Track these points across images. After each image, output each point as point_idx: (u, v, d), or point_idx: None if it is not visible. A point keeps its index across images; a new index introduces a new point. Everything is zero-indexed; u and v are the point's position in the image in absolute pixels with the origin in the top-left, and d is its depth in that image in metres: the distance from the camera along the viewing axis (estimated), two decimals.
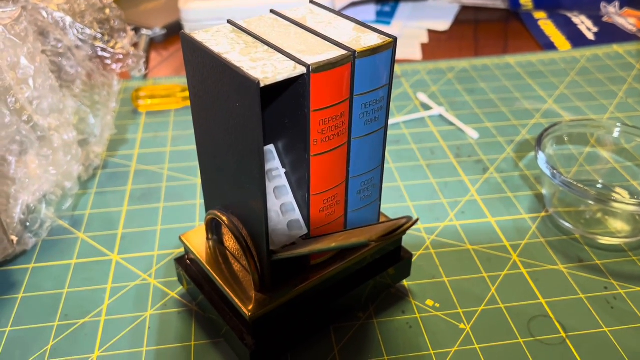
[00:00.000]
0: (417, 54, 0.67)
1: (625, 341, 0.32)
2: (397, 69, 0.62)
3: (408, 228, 0.20)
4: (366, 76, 0.26)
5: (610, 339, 0.32)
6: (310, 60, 0.24)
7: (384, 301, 0.35)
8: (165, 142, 0.50)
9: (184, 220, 0.41)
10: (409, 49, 0.68)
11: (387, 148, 0.49)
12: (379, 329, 0.33)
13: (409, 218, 0.21)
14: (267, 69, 0.23)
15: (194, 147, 0.49)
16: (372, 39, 0.26)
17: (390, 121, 0.52)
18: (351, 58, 0.24)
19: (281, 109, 0.26)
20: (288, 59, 0.24)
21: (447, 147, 0.49)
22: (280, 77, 0.23)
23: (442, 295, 0.35)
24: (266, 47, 0.25)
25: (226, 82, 0.24)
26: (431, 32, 0.72)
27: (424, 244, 0.39)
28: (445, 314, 0.34)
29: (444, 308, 0.34)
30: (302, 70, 0.23)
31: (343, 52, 0.24)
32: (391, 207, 0.42)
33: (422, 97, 0.56)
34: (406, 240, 0.39)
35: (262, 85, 0.22)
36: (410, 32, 0.72)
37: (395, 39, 0.26)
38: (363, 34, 0.26)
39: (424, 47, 0.69)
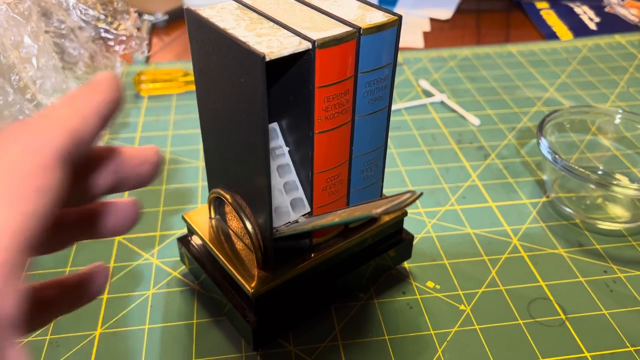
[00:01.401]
0: (420, 42, 0.67)
1: (624, 323, 0.32)
2: (399, 56, 0.62)
3: (412, 201, 0.21)
4: (371, 53, 0.26)
5: (609, 321, 0.33)
6: (316, 36, 0.24)
7: (385, 282, 0.35)
8: (167, 126, 0.50)
9: (185, 202, 0.41)
10: (412, 36, 0.68)
11: (389, 134, 0.49)
12: (380, 309, 0.33)
13: (413, 192, 0.21)
14: (273, 44, 0.23)
15: (196, 130, 0.49)
16: (377, 17, 0.26)
17: (392, 107, 0.52)
18: (356, 35, 0.24)
19: (286, 86, 0.26)
20: (293, 35, 0.24)
21: (449, 134, 0.49)
22: (286, 52, 0.23)
23: (442, 277, 0.35)
24: (271, 24, 0.25)
25: (231, 57, 0.24)
26: (433, 21, 0.72)
27: (425, 228, 0.39)
28: (445, 295, 0.34)
29: (444, 290, 0.34)
30: (307, 45, 0.23)
31: (348, 28, 0.24)
32: (393, 192, 0.42)
33: (424, 84, 0.56)
34: (407, 224, 0.39)
35: (267, 59, 0.22)
36: (413, 20, 0.72)
37: (400, 17, 0.26)
38: (368, 11, 0.26)
39: (426, 35, 0.69)
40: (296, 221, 0.29)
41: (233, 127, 0.27)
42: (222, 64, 0.25)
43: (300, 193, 0.29)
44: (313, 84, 0.24)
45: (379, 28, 0.25)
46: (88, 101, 0.17)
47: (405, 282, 0.35)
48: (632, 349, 0.31)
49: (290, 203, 0.28)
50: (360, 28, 0.25)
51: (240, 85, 0.24)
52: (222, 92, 0.26)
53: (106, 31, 0.42)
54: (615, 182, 0.36)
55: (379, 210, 0.21)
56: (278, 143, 0.28)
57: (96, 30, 0.42)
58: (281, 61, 0.24)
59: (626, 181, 0.43)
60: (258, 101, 0.24)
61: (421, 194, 0.21)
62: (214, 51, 0.25)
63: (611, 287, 0.35)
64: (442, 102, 0.54)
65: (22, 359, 0.13)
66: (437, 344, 0.31)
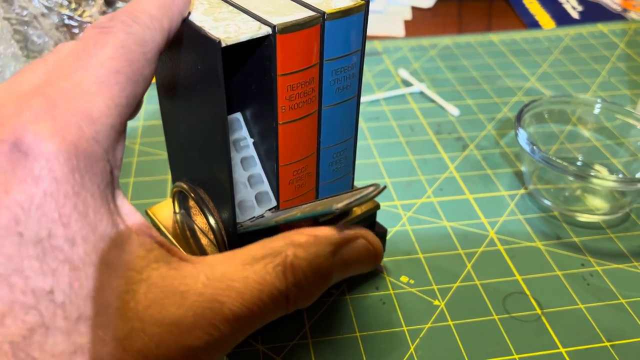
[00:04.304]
0: (400, 31, 0.65)
1: (600, 318, 0.32)
2: (379, 45, 0.61)
3: (376, 195, 0.20)
4: (337, 40, 0.24)
5: (585, 315, 0.32)
6: (277, 20, 0.22)
7: (358, 277, 0.34)
8: (137, 116, 0.48)
9: (154, 196, 0.40)
10: (392, 25, 0.67)
11: (367, 124, 0.48)
12: (352, 305, 0.32)
13: (377, 186, 0.20)
14: (230, 29, 0.22)
15: None
16: (343, 1, 0.24)
17: (370, 97, 0.51)
18: (320, 20, 0.23)
19: (248, 75, 0.25)
20: (253, 19, 0.23)
21: (427, 124, 0.48)
22: (244, 37, 0.22)
23: (417, 272, 0.34)
24: (231, 8, 0.24)
25: (187, 43, 0.23)
26: (415, 9, 0.71)
27: (401, 220, 0.38)
28: (419, 291, 0.33)
29: (418, 284, 0.33)
30: (267, 30, 0.22)
31: (312, 13, 0.23)
32: (368, 183, 0.41)
33: (404, 73, 0.55)
34: (382, 217, 0.38)
35: (223, 45, 0.21)
36: (394, 8, 0.70)
37: (367, 1, 0.25)
38: None
39: (407, 23, 0.67)
40: (262, 216, 0.27)
41: (193, 118, 0.25)
42: (179, 51, 0.24)
43: (266, 186, 0.28)
44: (275, 71, 0.23)
45: (344, 13, 0.24)
46: (174, 3, 0.20)
47: (379, 277, 0.34)
48: (607, 343, 0.30)
49: (255, 197, 0.27)
50: (324, 13, 0.23)
51: (198, 73, 0.23)
52: (180, 81, 0.25)
53: (70, 18, 0.41)
54: (593, 174, 0.35)
55: (340, 205, 0.19)
56: (242, 134, 0.27)
57: (60, 17, 0.41)
58: (241, 47, 0.23)
59: (605, 172, 0.42)
60: (216, 90, 0.22)
61: (384, 187, 0.20)
62: (171, 38, 0.24)
63: (588, 280, 0.34)
64: (421, 92, 0.53)
65: None
66: (409, 341, 0.30)
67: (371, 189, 0.20)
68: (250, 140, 0.27)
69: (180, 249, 0.29)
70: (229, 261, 0.17)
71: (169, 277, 0.16)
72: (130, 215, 0.17)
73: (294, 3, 0.24)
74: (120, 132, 0.17)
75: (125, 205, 0.17)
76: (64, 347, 0.14)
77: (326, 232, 0.18)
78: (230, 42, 0.21)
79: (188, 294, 0.16)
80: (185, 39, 0.23)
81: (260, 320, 0.17)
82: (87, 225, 0.15)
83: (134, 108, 0.18)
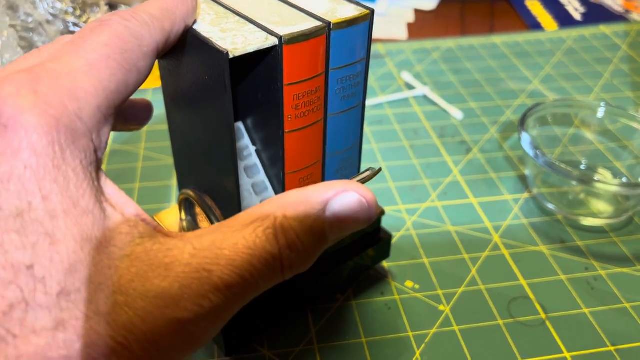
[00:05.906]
0: (403, 34, 0.66)
1: (604, 322, 0.32)
2: (382, 48, 0.61)
3: (372, 177, 0.21)
4: (342, 49, 0.25)
5: (589, 320, 0.32)
6: (283, 31, 0.23)
7: (363, 283, 0.34)
8: None
9: (160, 201, 0.40)
10: (395, 28, 0.67)
11: (370, 128, 0.48)
12: (358, 311, 0.32)
13: (372, 169, 0.21)
14: (237, 40, 0.22)
15: None
16: (348, 11, 0.24)
17: (374, 101, 0.51)
18: (326, 30, 0.23)
19: (254, 84, 0.25)
20: (260, 30, 0.23)
21: (431, 128, 0.48)
22: (251, 48, 0.22)
23: (422, 277, 0.34)
24: (237, 18, 0.24)
25: (195, 54, 0.23)
26: (417, 12, 0.71)
27: (405, 225, 0.38)
28: (424, 296, 0.33)
29: (423, 289, 0.34)
30: (273, 41, 0.22)
31: (317, 23, 0.23)
32: (372, 188, 0.42)
33: (407, 76, 0.55)
34: (386, 222, 0.38)
35: (231, 56, 0.21)
36: (396, 11, 0.71)
37: (372, 11, 0.25)
38: (339, 5, 0.25)
39: (410, 26, 0.68)
40: None
41: (199, 126, 0.26)
42: (186, 61, 0.24)
43: (270, 193, 0.28)
44: (281, 81, 0.23)
45: (350, 22, 0.24)
46: (177, 9, 0.21)
47: (384, 282, 0.34)
48: (612, 348, 0.30)
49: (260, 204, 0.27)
50: (330, 23, 0.24)
51: (205, 83, 0.23)
52: (187, 90, 0.25)
53: (75, 25, 0.41)
54: (596, 179, 0.36)
55: None
56: (245, 143, 0.27)
57: (65, 24, 0.41)
58: (248, 58, 0.23)
59: (609, 176, 0.43)
60: (223, 99, 0.22)
61: (380, 169, 0.21)
62: (178, 47, 0.24)
63: (592, 284, 0.34)
64: (424, 96, 0.53)
65: None
66: (415, 346, 0.30)
67: (368, 173, 0.21)
68: (253, 148, 0.28)
69: None
70: (217, 230, 0.17)
71: (154, 250, 0.16)
72: (114, 194, 0.17)
73: (300, 13, 0.24)
74: (106, 115, 0.17)
75: (108, 185, 0.17)
76: (45, 323, 0.14)
77: (315, 189, 0.18)
78: (237, 53, 0.21)
79: (173, 265, 0.16)
80: (193, 49, 0.23)
81: (255, 288, 0.17)
82: (68, 198, 0.15)
83: (125, 96, 0.18)
